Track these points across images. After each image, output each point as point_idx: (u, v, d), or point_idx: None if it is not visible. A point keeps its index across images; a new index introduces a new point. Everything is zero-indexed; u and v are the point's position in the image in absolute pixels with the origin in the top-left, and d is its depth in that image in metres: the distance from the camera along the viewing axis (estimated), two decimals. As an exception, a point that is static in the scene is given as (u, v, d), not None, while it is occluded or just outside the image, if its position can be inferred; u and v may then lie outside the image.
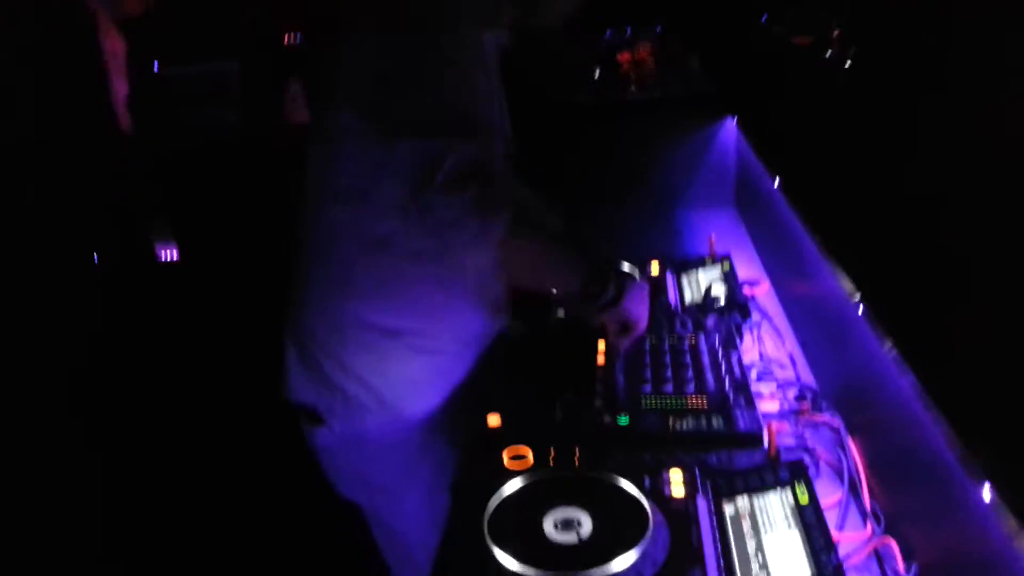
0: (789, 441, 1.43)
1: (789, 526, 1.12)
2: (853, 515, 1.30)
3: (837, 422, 1.46)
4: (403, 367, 1.44)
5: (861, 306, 1.24)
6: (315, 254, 1.42)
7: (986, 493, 0.83)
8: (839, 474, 1.37)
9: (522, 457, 1.32)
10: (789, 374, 1.66)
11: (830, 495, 1.29)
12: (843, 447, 1.40)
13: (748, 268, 2.09)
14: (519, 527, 1.14)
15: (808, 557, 1.06)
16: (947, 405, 0.94)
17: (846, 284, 1.34)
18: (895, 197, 1.19)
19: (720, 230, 2.12)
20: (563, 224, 1.61)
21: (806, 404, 1.52)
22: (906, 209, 1.15)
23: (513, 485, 1.22)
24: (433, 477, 1.49)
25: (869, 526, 1.25)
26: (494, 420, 1.41)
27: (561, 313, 1.81)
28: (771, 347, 1.78)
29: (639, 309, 1.52)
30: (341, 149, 1.33)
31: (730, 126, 2.51)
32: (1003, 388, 0.86)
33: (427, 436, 1.48)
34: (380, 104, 1.28)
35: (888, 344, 1.13)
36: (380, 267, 1.38)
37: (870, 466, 1.34)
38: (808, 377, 1.65)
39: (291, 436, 1.51)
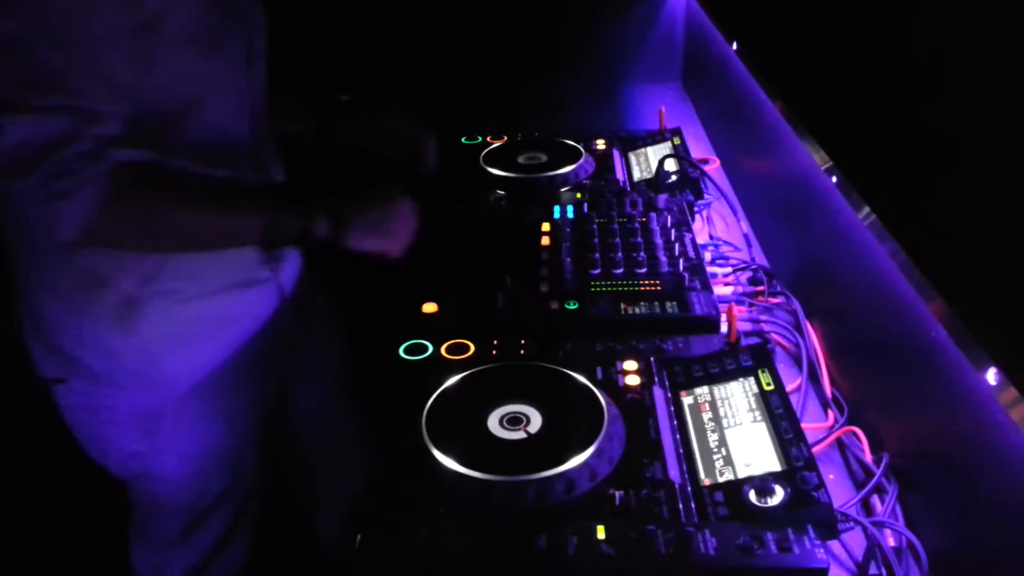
0: (744, 326, 1.34)
1: (754, 417, 1.03)
2: (812, 404, 1.22)
3: (794, 305, 1.37)
4: (153, 330, 1.21)
5: (834, 175, 1.13)
6: (24, 225, 1.15)
7: (991, 376, 0.74)
8: (796, 360, 1.30)
9: (463, 349, 1.19)
10: (743, 256, 1.56)
11: (787, 383, 1.21)
12: (801, 331, 1.32)
13: (696, 147, 1.96)
14: (461, 426, 1.02)
15: (776, 448, 0.97)
16: (941, 280, 0.84)
17: (814, 154, 1.23)
18: (867, 56, 1.07)
19: (666, 106, 1.98)
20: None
21: (761, 287, 1.43)
22: (880, 67, 1.02)
23: (453, 380, 1.10)
24: (187, 445, 1.31)
25: (831, 415, 1.18)
26: (430, 308, 1.28)
27: (501, 193, 1.66)
28: (722, 228, 1.68)
29: (373, 239, 1.23)
30: None
31: (679, -9, 2.34)
32: (1002, 258, 0.76)
33: (186, 404, 1.28)
34: None
35: (865, 212, 1.02)
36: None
37: (830, 351, 1.27)
38: (762, 259, 1.56)
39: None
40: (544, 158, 1.75)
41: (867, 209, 1.03)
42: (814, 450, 1.09)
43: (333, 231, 1.17)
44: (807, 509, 0.88)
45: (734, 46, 1.68)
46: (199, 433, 1.31)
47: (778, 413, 1.02)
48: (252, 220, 1.14)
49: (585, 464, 0.95)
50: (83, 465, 1.35)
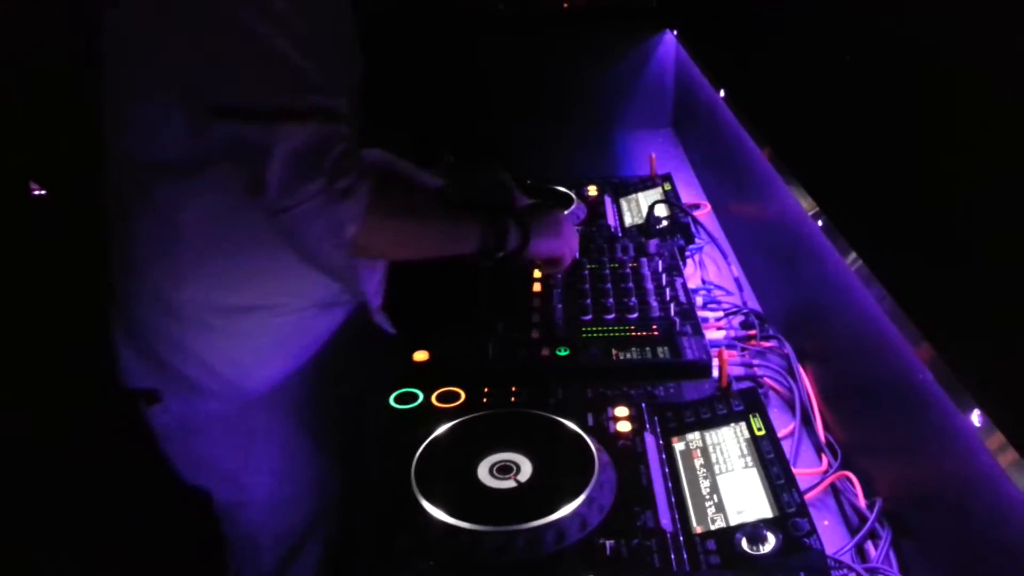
0: (737, 370, 1.34)
1: (746, 463, 1.02)
2: (806, 448, 1.22)
3: (787, 349, 1.37)
4: (247, 342, 1.27)
5: (820, 220, 1.14)
6: (139, 236, 1.20)
7: (975, 418, 0.74)
8: (789, 405, 1.29)
9: (453, 397, 1.19)
10: (735, 300, 1.57)
11: (780, 427, 1.21)
12: (794, 375, 1.32)
13: (688, 192, 1.98)
14: (451, 475, 1.02)
15: (768, 495, 0.96)
16: (927, 324, 0.84)
17: (801, 199, 1.24)
18: (852, 103, 1.08)
19: (658, 152, 2.00)
20: (442, 177, 1.42)
21: (753, 331, 1.43)
22: (865, 114, 1.04)
23: (443, 428, 1.10)
24: (279, 462, 1.34)
25: (824, 460, 1.17)
26: (421, 356, 1.28)
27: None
28: (714, 272, 1.69)
29: (554, 243, 1.32)
30: (157, 124, 1.10)
31: (669, 40, 2.38)
32: (988, 302, 0.76)
33: (275, 420, 1.32)
34: (179, 73, 1.03)
35: (852, 258, 1.03)
36: (220, 246, 1.18)
37: (823, 396, 1.26)
38: (754, 303, 1.56)
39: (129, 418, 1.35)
40: (536, 205, 1.76)
41: (853, 254, 1.04)
42: (808, 496, 1.08)
43: (522, 240, 1.24)
44: (799, 556, 0.87)
45: (722, 93, 1.71)
46: (291, 451, 1.34)
47: (769, 458, 1.01)
48: (470, 228, 1.20)
49: (575, 513, 0.94)
50: (177, 504, 1.39)
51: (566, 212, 1.42)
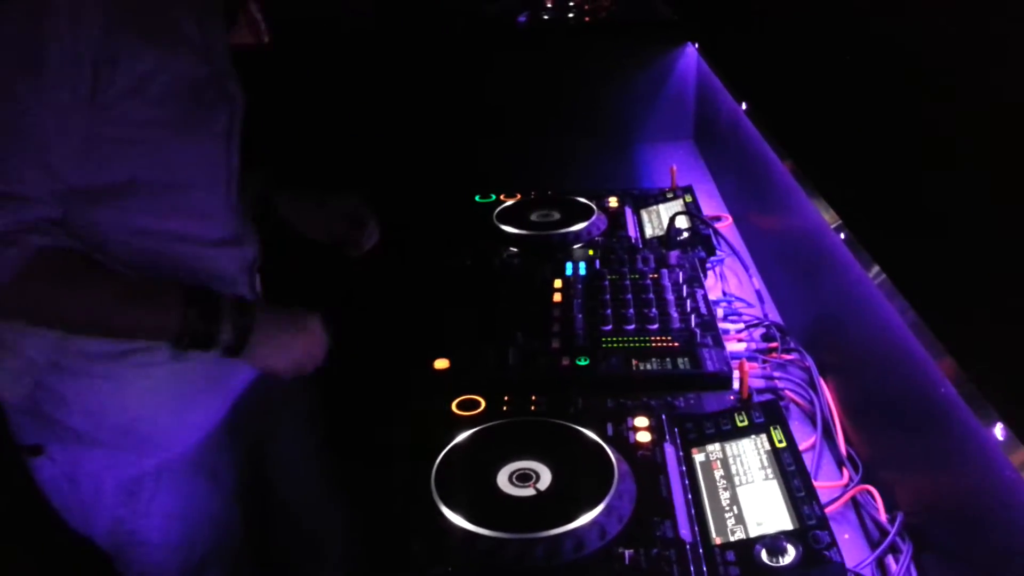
0: (757, 383, 1.34)
1: (766, 475, 1.02)
2: (827, 462, 1.21)
3: (808, 362, 1.37)
4: (135, 387, 1.23)
5: (842, 233, 1.14)
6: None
7: (998, 432, 0.73)
8: (810, 418, 1.29)
9: (473, 405, 1.20)
10: (755, 312, 1.56)
11: (801, 440, 1.20)
12: (815, 388, 1.31)
13: (709, 204, 1.98)
14: (470, 482, 1.02)
15: (788, 507, 0.96)
16: (949, 337, 0.84)
17: (824, 212, 1.24)
18: (875, 115, 1.08)
19: (679, 164, 2.01)
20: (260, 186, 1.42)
21: (774, 343, 1.43)
22: (889, 127, 1.04)
23: (463, 436, 1.11)
24: (170, 504, 1.30)
25: (845, 473, 1.17)
26: (442, 364, 1.28)
27: (513, 250, 1.68)
28: (735, 284, 1.69)
29: (275, 355, 1.24)
30: None
31: (690, 53, 2.38)
32: (1011, 316, 0.76)
33: (166, 462, 1.28)
34: None
35: (875, 271, 1.03)
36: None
37: (844, 409, 1.26)
38: (775, 315, 1.56)
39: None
40: (557, 216, 1.78)
41: (876, 268, 1.04)
42: (829, 509, 1.08)
43: (237, 344, 1.16)
44: (819, 569, 0.87)
45: (743, 106, 1.71)
46: (184, 492, 1.30)
47: (790, 471, 1.01)
48: (160, 318, 1.13)
49: (594, 522, 0.95)
50: (66, 547, 1.33)
51: (313, 319, 1.26)
